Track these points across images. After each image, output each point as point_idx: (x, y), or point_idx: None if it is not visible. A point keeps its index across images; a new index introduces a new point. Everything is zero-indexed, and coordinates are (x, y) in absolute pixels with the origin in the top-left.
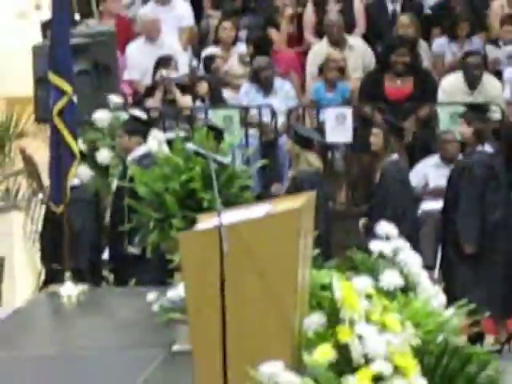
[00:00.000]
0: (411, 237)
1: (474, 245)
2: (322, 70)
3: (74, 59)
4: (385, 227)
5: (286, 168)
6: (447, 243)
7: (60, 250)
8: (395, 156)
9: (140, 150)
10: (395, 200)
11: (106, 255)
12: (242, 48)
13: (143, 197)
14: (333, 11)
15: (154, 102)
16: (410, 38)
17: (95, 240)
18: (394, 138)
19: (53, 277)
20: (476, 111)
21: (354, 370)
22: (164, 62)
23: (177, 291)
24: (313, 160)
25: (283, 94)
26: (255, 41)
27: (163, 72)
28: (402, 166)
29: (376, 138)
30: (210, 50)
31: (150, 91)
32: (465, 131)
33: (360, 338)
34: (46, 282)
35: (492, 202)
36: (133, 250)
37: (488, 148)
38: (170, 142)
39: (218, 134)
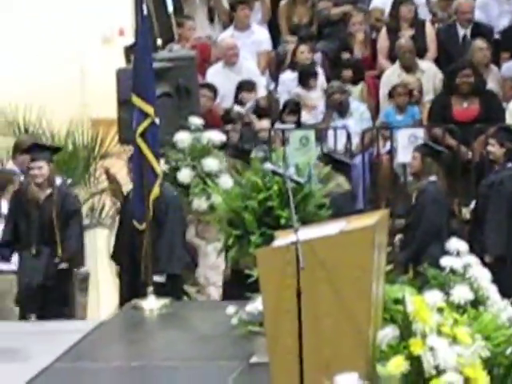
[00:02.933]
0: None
1: (496, 255)
2: (391, 94)
3: (157, 82)
4: (456, 243)
5: (361, 188)
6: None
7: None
8: (433, 177)
9: None
10: (430, 219)
11: None
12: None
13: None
14: (405, 36)
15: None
16: (475, 61)
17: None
18: (432, 161)
19: (135, 291)
20: (508, 132)
21: (425, 381)
22: (245, 86)
23: (255, 305)
24: (342, 182)
25: (358, 116)
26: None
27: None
28: (439, 187)
29: (415, 160)
30: (287, 74)
31: (229, 115)
32: (496, 151)
33: (432, 350)
34: (129, 297)
35: None
36: (158, 278)
37: None
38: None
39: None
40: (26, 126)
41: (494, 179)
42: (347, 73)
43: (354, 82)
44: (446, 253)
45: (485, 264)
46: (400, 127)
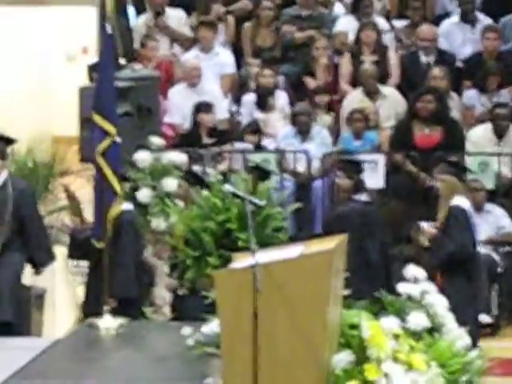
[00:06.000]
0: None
1: None
2: (348, 120)
3: (119, 102)
4: (413, 270)
5: (319, 211)
6: None
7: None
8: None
9: None
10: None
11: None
12: (280, 95)
13: (181, 235)
14: (368, 62)
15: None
16: (438, 88)
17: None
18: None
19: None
20: (356, 164)
21: None
22: (203, 107)
23: (211, 326)
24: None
25: (319, 140)
26: (293, 88)
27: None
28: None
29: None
30: (249, 96)
31: (190, 135)
32: (343, 183)
33: (387, 376)
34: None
35: None
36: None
37: None
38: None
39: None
40: None
41: (339, 212)
42: (323, 98)
43: (328, 109)
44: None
45: None
46: (360, 152)
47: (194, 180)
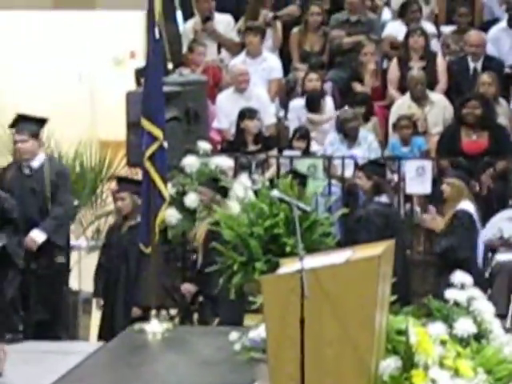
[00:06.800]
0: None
1: None
2: (395, 126)
3: (166, 106)
4: (460, 276)
5: None
6: None
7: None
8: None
9: None
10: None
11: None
12: (327, 100)
13: (229, 240)
14: (416, 67)
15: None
16: (483, 94)
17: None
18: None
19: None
20: (376, 165)
21: None
22: (247, 113)
23: (258, 331)
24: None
25: (366, 146)
26: (340, 93)
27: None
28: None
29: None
30: (297, 101)
31: (235, 141)
32: (364, 184)
33: (433, 382)
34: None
35: None
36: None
37: None
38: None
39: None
40: None
41: (361, 213)
42: (359, 110)
43: (366, 118)
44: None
45: None
46: (408, 158)
47: (217, 187)
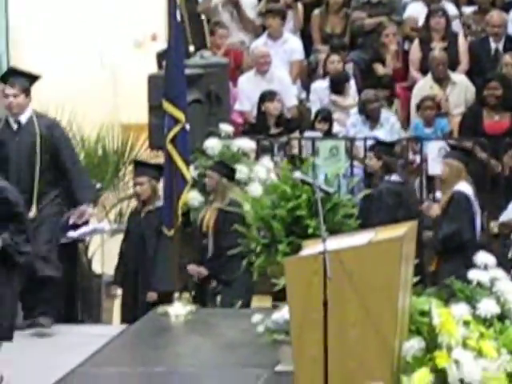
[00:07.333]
0: None
1: None
2: (418, 107)
3: (188, 89)
4: (483, 257)
5: None
6: None
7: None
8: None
9: None
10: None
11: None
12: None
13: (250, 223)
14: (437, 48)
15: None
16: (505, 74)
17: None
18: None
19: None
20: (385, 146)
21: None
22: (267, 96)
23: (281, 313)
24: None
25: (389, 127)
26: (362, 74)
27: None
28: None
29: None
30: (320, 83)
31: (257, 124)
32: (374, 164)
33: (457, 363)
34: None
35: None
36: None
37: None
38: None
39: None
40: None
41: (373, 192)
42: (381, 93)
43: (388, 100)
44: (469, 266)
45: None
46: (430, 139)
47: (225, 171)
